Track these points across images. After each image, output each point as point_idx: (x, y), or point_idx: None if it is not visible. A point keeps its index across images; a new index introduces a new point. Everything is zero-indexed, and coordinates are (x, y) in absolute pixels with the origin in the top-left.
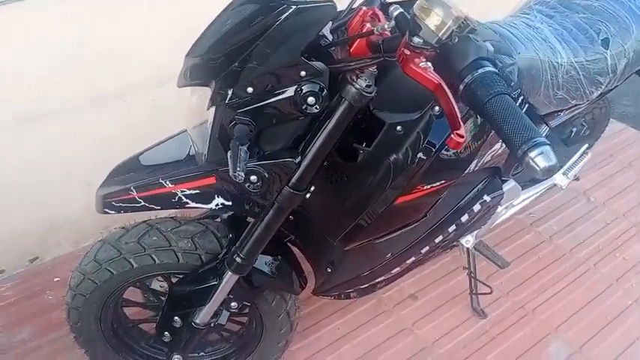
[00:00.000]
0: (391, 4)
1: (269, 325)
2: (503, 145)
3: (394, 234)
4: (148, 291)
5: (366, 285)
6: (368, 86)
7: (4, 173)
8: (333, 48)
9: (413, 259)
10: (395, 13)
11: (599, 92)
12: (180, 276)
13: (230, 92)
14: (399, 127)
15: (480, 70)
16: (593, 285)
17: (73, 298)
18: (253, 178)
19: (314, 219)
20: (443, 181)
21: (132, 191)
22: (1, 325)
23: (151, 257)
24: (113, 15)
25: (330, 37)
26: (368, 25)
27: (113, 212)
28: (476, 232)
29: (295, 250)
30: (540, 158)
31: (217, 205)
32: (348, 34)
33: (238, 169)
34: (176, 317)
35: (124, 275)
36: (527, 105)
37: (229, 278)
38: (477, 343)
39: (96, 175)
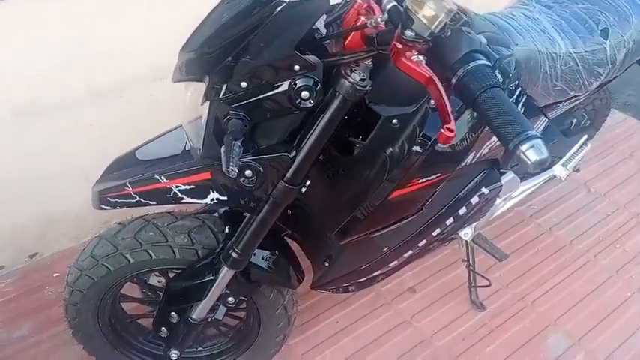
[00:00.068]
0: None
1: (266, 320)
2: None
3: (390, 228)
4: (146, 286)
5: (364, 278)
6: (362, 80)
7: (3, 169)
8: (328, 41)
9: (410, 252)
10: (388, 6)
11: (598, 83)
12: (178, 271)
13: (224, 87)
14: (395, 121)
15: (473, 64)
16: (592, 276)
17: (70, 294)
18: (248, 172)
19: (312, 213)
20: (438, 175)
21: (127, 187)
22: (1, 321)
23: (148, 253)
24: (113, 15)
25: (324, 31)
26: (362, 18)
27: (109, 208)
28: (474, 224)
29: (293, 244)
30: (531, 151)
31: (212, 200)
32: (343, 27)
33: (231, 164)
34: (173, 312)
35: (121, 271)
36: (525, 97)
37: (225, 273)
38: (476, 335)
39: (95, 170)
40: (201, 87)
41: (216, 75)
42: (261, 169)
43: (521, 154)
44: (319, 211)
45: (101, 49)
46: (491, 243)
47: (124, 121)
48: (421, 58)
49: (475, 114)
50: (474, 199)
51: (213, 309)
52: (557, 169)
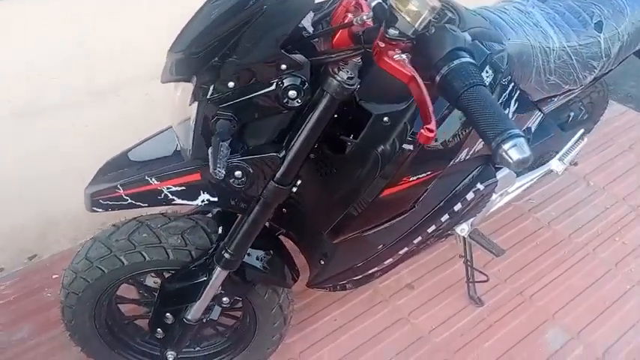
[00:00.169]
0: None
1: (262, 319)
2: None
3: (383, 226)
4: (142, 287)
5: (360, 276)
6: (350, 78)
7: (2, 169)
8: (317, 40)
9: (406, 249)
10: (373, 4)
11: (592, 76)
12: (173, 272)
13: (211, 87)
14: (385, 118)
15: (457, 61)
16: (591, 270)
17: (66, 296)
18: (238, 173)
19: (306, 212)
20: (429, 172)
21: (118, 189)
22: (1, 324)
23: (141, 254)
24: (113, 15)
25: (311, 29)
26: (350, 15)
27: (101, 210)
28: (471, 220)
29: (289, 242)
30: (514, 150)
31: (203, 201)
32: (332, 24)
33: (218, 166)
34: (168, 314)
35: (115, 273)
36: (518, 91)
37: (219, 274)
38: (474, 331)
39: (92, 171)
40: (189, 87)
41: (203, 75)
42: (250, 169)
43: (504, 153)
44: (313, 209)
45: (101, 49)
46: (487, 238)
47: (121, 121)
48: (404, 56)
49: None
50: (470, 195)
51: (208, 309)
52: (554, 164)
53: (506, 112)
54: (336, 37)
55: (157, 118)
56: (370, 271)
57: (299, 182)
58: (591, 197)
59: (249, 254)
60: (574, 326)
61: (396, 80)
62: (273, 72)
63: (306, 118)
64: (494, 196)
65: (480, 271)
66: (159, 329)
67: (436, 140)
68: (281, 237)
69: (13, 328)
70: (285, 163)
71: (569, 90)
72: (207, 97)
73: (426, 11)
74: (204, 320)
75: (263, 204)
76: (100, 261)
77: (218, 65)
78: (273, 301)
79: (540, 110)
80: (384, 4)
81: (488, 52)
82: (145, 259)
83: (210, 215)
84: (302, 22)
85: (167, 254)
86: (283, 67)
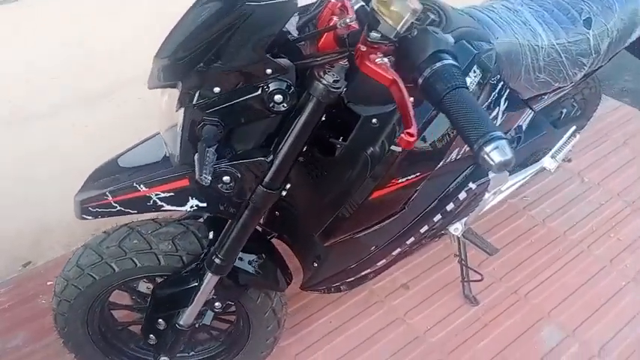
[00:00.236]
0: None
1: (256, 323)
2: None
3: (374, 227)
4: (135, 293)
5: (353, 278)
6: (336, 82)
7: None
8: (303, 43)
9: (399, 250)
10: (356, 7)
11: (582, 73)
12: (164, 278)
13: (197, 93)
14: (374, 120)
15: (439, 64)
16: (586, 267)
17: (58, 304)
18: (226, 178)
19: (298, 214)
20: (418, 174)
21: (107, 196)
22: None
23: (132, 261)
24: (113, 15)
25: (296, 33)
26: (335, 18)
27: (91, 218)
28: (464, 219)
29: (283, 246)
30: (495, 153)
31: (192, 207)
32: (318, 27)
33: (204, 172)
34: (160, 319)
35: (107, 280)
36: (508, 90)
37: (210, 279)
38: (469, 330)
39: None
40: (176, 93)
41: (189, 81)
42: (239, 174)
43: (485, 156)
44: (304, 212)
45: (101, 49)
46: (481, 237)
47: (121, 121)
48: (386, 60)
49: None
50: (462, 195)
51: (200, 314)
52: (547, 161)
53: (496, 110)
54: (322, 40)
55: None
56: (363, 273)
57: (288, 186)
58: (586, 193)
59: (241, 259)
60: (569, 324)
61: None
62: (258, 77)
63: (293, 122)
64: (487, 194)
65: (475, 270)
66: (151, 335)
67: (425, 141)
68: (274, 240)
69: (7, 336)
70: (274, 167)
71: (560, 87)
72: (193, 102)
73: (407, 14)
74: (197, 325)
75: (252, 209)
76: (91, 268)
77: (203, 71)
78: (266, 305)
79: (531, 108)
80: (366, 7)
81: (476, 51)
82: (136, 265)
83: (201, 220)
84: (286, 25)
85: (158, 260)
86: (268, 71)
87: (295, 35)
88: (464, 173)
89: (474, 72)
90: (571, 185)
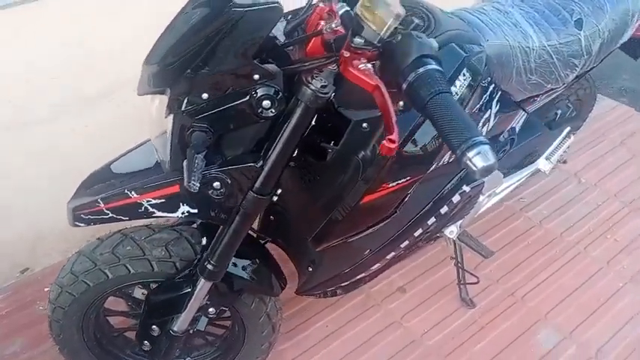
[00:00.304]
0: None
1: (251, 328)
2: None
3: (367, 232)
4: (130, 299)
5: (348, 282)
6: (323, 87)
7: None
8: (292, 48)
9: (393, 253)
10: (340, 12)
11: (574, 75)
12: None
13: (186, 99)
14: (364, 124)
15: (422, 69)
16: (583, 269)
17: (53, 311)
18: (216, 184)
19: (292, 219)
20: (408, 178)
21: (99, 203)
22: None
23: (126, 267)
24: (113, 15)
25: (283, 38)
26: (322, 23)
27: (83, 225)
28: (459, 222)
29: (278, 251)
30: (478, 158)
31: (183, 213)
32: (306, 32)
33: (193, 178)
34: (154, 326)
35: (101, 286)
36: (499, 92)
37: (203, 285)
38: (466, 333)
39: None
40: (166, 99)
41: (177, 87)
42: (229, 180)
43: (468, 161)
44: (297, 217)
45: (101, 49)
46: (476, 240)
47: (121, 121)
48: (369, 66)
49: None
50: (456, 198)
51: (194, 320)
52: (541, 163)
53: (488, 113)
54: (310, 45)
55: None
56: (358, 277)
57: (279, 191)
58: (583, 194)
59: (235, 264)
60: (566, 326)
61: None
62: (246, 82)
63: (282, 128)
64: (481, 197)
65: (471, 273)
66: (146, 342)
67: (415, 145)
68: (269, 245)
69: (5, 342)
70: (264, 172)
71: (552, 89)
72: (182, 109)
73: (391, 19)
74: (191, 331)
75: (243, 214)
76: (85, 275)
77: (191, 77)
78: (260, 310)
79: (524, 110)
80: (351, 12)
81: (466, 54)
82: (129, 271)
83: (194, 226)
84: (273, 31)
85: (151, 266)
86: (256, 77)
87: (282, 40)
88: (458, 176)
89: (464, 75)
90: (568, 186)
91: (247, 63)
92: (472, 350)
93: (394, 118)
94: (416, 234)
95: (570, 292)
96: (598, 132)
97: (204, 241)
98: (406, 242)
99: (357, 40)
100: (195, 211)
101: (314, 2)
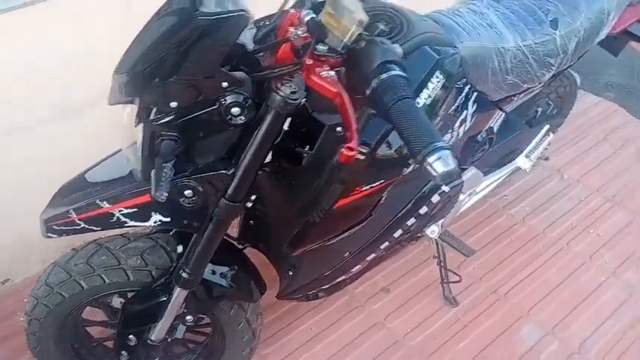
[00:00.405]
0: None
1: (230, 335)
2: (455, 136)
3: (344, 235)
4: (108, 309)
5: (329, 285)
6: (293, 93)
7: None
8: (263, 55)
9: (373, 255)
10: (306, 19)
11: (550, 74)
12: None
13: (154, 108)
14: (338, 128)
15: (385, 75)
16: (566, 264)
17: (29, 323)
18: (188, 192)
19: (272, 224)
20: (382, 181)
21: (71, 214)
22: None
23: (101, 277)
24: (113, 15)
25: (252, 45)
26: (291, 29)
27: (56, 236)
28: (441, 221)
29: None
30: (438, 163)
31: (156, 222)
32: (277, 38)
33: (160, 188)
34: (131, 335)
35: (76, 297)
36: (476, 93)
37: (179, 293)
38: (449, 332)
39: None
40: (136, 109)
41: (146, 96)
42: (200, 187)
43: (428, 166)
44: (275, 222)
45: (101, 49)
46: (458, 239)
47: (121, 121)
48: (332, 73)
49: None
50: (435, 198)
51: (172, 329)
52: (521, 161)
53: (464, 113)
54: (280, 51)
55: None
56: (339, 280)
57: (253, 197)
58: (566, 190)
59: (212, 271)
60: (549, 322)
61: None
62: (214, 90)
63: (253, 134)
64: (462, 196)
65: (454, 272)
66: (124, 352)
67: (390, 148)
68: (250, 250)
69: None
70: (236, 179)
71: (529, 88)
72: (151, 118)
73: (354, 26)
74: (169, 340)
75: (216, 222)
76: (60, 286)
77: (160, 85)
78: (239, 316)
79: (501, 109)
80: (317, 19)
81: (438, 57)
82: (104, 281)
83: (171, 234)
84: (242, 38)
85: (127, 276)
86: (224, 84)
87: (251, 47)
88: None
89: (437, 77)
90: (551, 182)
91: (215, 71)
92: (455, 349)
93: (354, 126)
94: (396, 235)
95: (553, 287)
96: (581, 128)
97: (180, 248)
98: (386, 243)
99: (321, 47)
100: (168, 219)
101: (286, 8)
